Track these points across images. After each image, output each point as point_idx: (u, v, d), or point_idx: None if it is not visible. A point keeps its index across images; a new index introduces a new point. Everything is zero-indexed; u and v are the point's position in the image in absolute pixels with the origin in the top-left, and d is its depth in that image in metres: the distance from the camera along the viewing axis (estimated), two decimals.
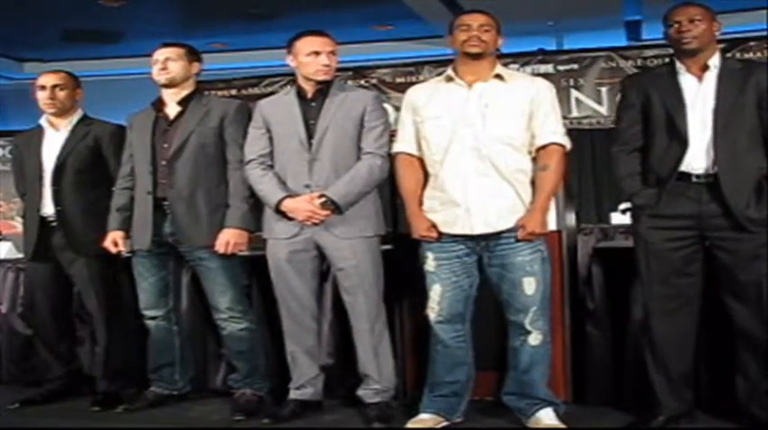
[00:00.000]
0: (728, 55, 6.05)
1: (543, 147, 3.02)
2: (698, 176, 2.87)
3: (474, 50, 3.01)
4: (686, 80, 2.93)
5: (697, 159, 2.87)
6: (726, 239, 2.85)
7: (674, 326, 2.94)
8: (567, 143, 3.06)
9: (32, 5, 7.33)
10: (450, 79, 3.09)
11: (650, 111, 2.96)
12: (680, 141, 2.87)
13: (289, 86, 3.49)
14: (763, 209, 2.82)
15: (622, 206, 2.99)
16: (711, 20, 2.92)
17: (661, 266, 2.93)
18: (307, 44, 3.24)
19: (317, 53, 3.22)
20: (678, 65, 2.95)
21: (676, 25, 2.91)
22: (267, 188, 3.25)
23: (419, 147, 3.13)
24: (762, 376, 2.88)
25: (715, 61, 2.91)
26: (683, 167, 2.87)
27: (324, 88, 3.28)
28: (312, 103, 3.27)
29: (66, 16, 7.86)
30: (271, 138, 3.30)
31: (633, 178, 2.98)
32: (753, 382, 2.90)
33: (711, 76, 2.90)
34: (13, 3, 7.20)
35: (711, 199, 2.85)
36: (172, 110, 3.49)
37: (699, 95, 2.89)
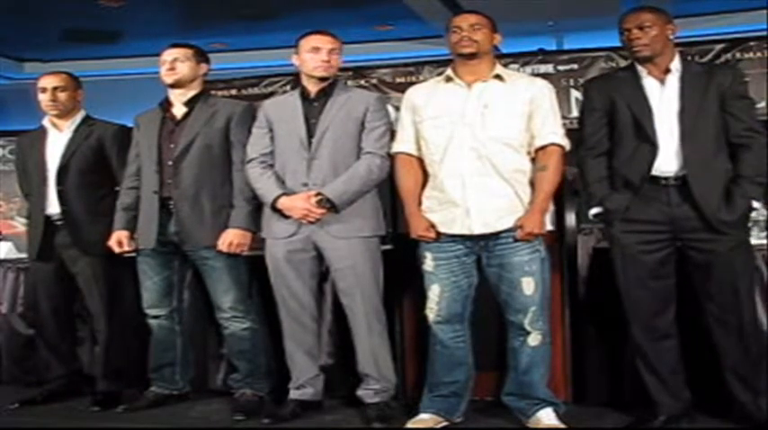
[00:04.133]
0: (723, 57, 6.09)
1: (542, 147, 3.02)
2: (666, 179, 2.88)
3: (465, 51, 3.01)
4: (649, 84, 2.94)
5: (666, 162, 2.88)
6: (700, 241, 2.87)
7: (654, 328, 2.97)
8: (567, 144, 3.06)
9: (32, 5, 7.33)
10: (449, 79, 3.09)
11: (615, 116, 2.97)
12: (650, 145, 2.88)
13: (289, 87, 3.50)
14: (734, 211, 2.83)
15: (593, 211, 3.00)
16: (664, 23, 2.91)
17: (637, 269, 2.95)
18: (308, 41, 3.28)
19: (316, 49, 3.24)
20: (639, 68, 2.96)
21: (627, 33, 2.92)
22: (265, 186, 3.26)
23: (418, 147, 3.13)
24: (758, 377, 2.89)
25: (676, 64, 2.92)
26: (653, 171, 2.89)
27: (327, 88, 3.29)
28: (315, 103, 3.28)
29: (66, 16, 7.85)
30: (273, 138, 3.31)
31: (602, 182, 3.00)
32: (748, 383, 2.91)
33: (674, 80, 2.91)
34: (13, 3, 7.19)
35: (683, 201, 2.87)
36: (178, 110, 3.50)
37: (663, 99, 2.91)
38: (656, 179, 2.89)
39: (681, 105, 2.87)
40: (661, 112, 2.89)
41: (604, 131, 3.00)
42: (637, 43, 2.89)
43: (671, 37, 2.93)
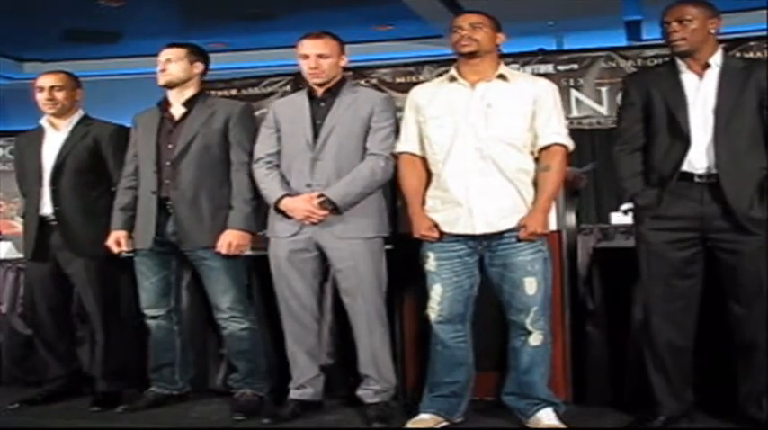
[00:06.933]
0: (734, 53, 6.07)
1: (546, 147, 3.01)
2: (700, 176, 2.85)
3: (465, 50, 3.01)
4: (687, 78, 2.90)
5: (699, 159, 2.85)
6: (727, 241, 2.83)
7: (673, 326, 2.94)
8: (570, 143, 3.06)
9: (32, 5, 7.34)
10: (453, 79, 3.08)
11: (652, 109, 2.93)
12: (682, 140, 2.85)
13: (289, 87, 3.50)
14: (765, 209, 2.80)
15: (624, 206, 2.96)
16: (707, 18, 2.86)
17: (662, 267, 2.92)
18: (300, 47, 3.27)
19: (305, 56, 3.24)
20: (679, 62, 2.92)
21: (666, 25, 2.90)
22: (269, 187, 3.27)
23: (422, 147, 3.13)
24: (761, 378, 2.88)
25: (716, 59, 2.88)
26: (685, 167, 2.86)
27: (334, 88, 3.29)
28: (322, 103, 3.28)
29: (66, 16, 7.86)
30: (280, 138, 3.32)
31: (635, 178, 2.96)
32: (752, 384, 2.89)
33: (713, 75, 2.87)
34: (13, 3, 7.19)
35: (713, 199, 2.83)
36: (177, 110, 3.49)
37: (700, 94, 2.87)
38: (689, 175, 2.86)
39: (716, 101, 2.83)
40: (696, 108, 2.86)
41: (640, 126, 2.96)
42: (674, 37, 2.86)
43: (713, 32, 2.88)
